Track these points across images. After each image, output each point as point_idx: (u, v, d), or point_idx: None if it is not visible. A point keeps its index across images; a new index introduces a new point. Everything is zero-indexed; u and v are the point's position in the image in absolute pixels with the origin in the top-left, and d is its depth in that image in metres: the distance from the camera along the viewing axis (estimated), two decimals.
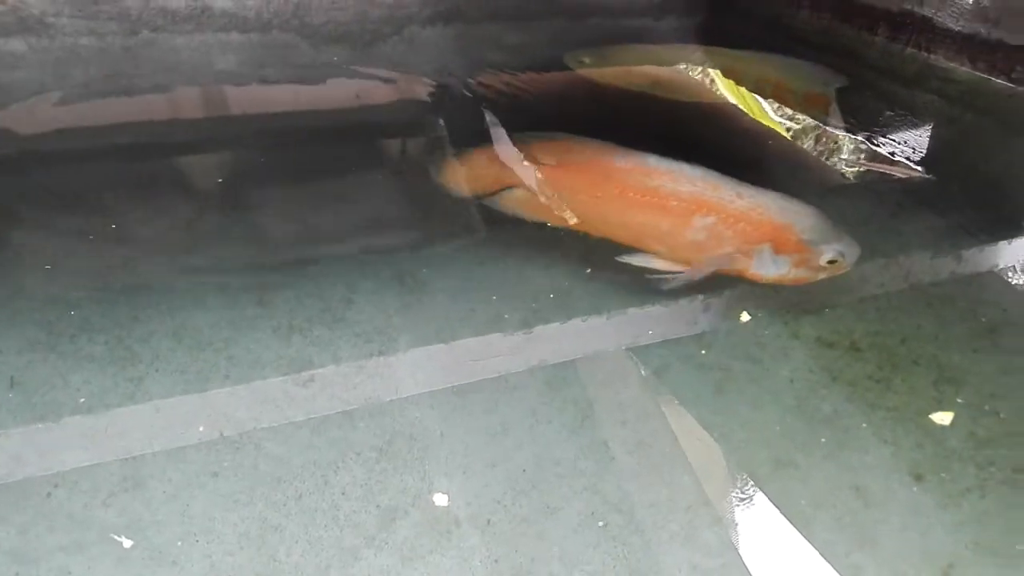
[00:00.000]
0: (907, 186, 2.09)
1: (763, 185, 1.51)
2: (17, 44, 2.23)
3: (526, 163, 1.56)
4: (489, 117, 2.04)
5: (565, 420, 1.30)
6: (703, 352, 1.46)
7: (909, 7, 2.05)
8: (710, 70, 2.88)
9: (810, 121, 2.58)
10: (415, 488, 1.16)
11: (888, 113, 2.15)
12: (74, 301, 1.38)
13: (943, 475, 1.23)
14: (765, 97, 2.70)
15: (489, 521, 1.12)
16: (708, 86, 2.81)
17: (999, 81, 1.85)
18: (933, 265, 1.69)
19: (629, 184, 1.52)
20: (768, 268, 1.46)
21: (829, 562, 1.10)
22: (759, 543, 1.13)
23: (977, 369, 1.44)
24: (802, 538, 1.13)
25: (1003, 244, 1.75)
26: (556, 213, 1.56)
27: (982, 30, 1.87)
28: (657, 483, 1.21)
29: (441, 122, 2.60)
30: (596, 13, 2.76)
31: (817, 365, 1.44)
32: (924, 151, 2.06)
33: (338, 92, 2.55)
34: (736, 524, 1.16)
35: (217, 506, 1.12)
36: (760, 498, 1.20)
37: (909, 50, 2.07)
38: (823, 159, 2.49)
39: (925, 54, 2.03)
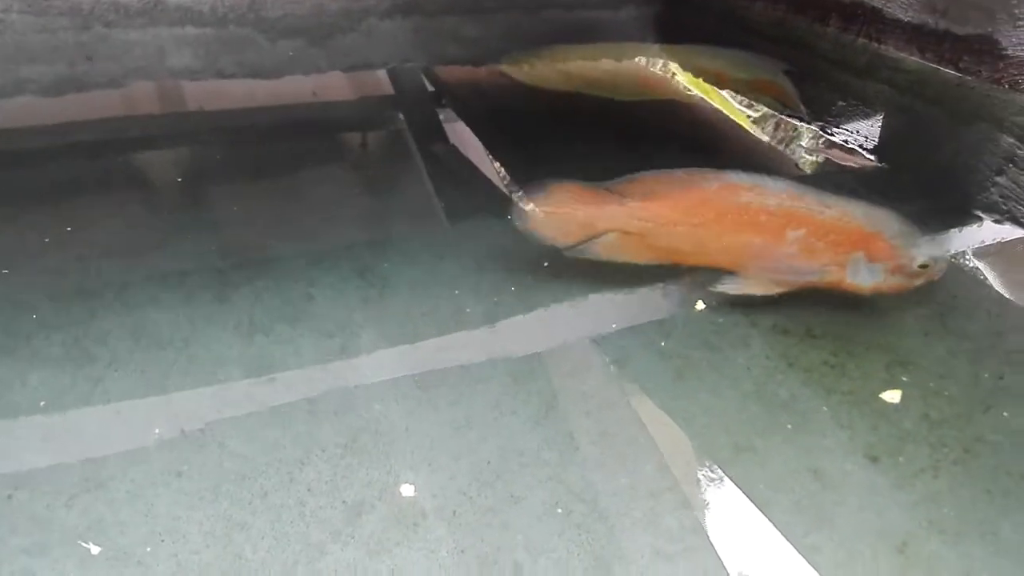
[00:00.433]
0: (860, 175, 2.13)
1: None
2: None
3: (613, 204, 1.52)
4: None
5: (529, 411, 1.31)
6: (663, 341, 1.48)
7: None
8: (662, 65, 2.90)
9: (767, 110, 2.62)
10: (381, 482, 1.17)
11: (841, 103, 2.18)
12: (30, 302, 1.36)
13: (898, 456, 1.26)
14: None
15: (455, 512, 1.13)
16: (656, 81, 2.83)
17: (947, 71, 1.89)
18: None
19: (723, 206, 1.49)
20: (864, 277, 1.45)
21: (788, 543, 1.12)
22: (720, 526, 1.15)
23: (928, 352, 1.48)
24: (762, 520, 1.15)
25: (953, 231, 1.80)
26: (658, 250, 1.53)
27: (930, 20, 1.91)
28: (620, 471, 1.22)
29: (400, 116, 2.60)
30: (552, 5, 2.76)
31: (774, 352, 1.47)
32: (876, 140, 2.10)
33: (295, 87, 2.53)
34: (697, 509, 1.18)
35: (181, 505, 1.11)
36: (721, 482, 1.22)
37: (860, 40, 2.10)
38: (779, 148, 2.53)
39: (876, 44, 2.07)
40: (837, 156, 2.65)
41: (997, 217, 1.78)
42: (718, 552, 1.11)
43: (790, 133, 2.65)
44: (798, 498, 1.19)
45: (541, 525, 1.12)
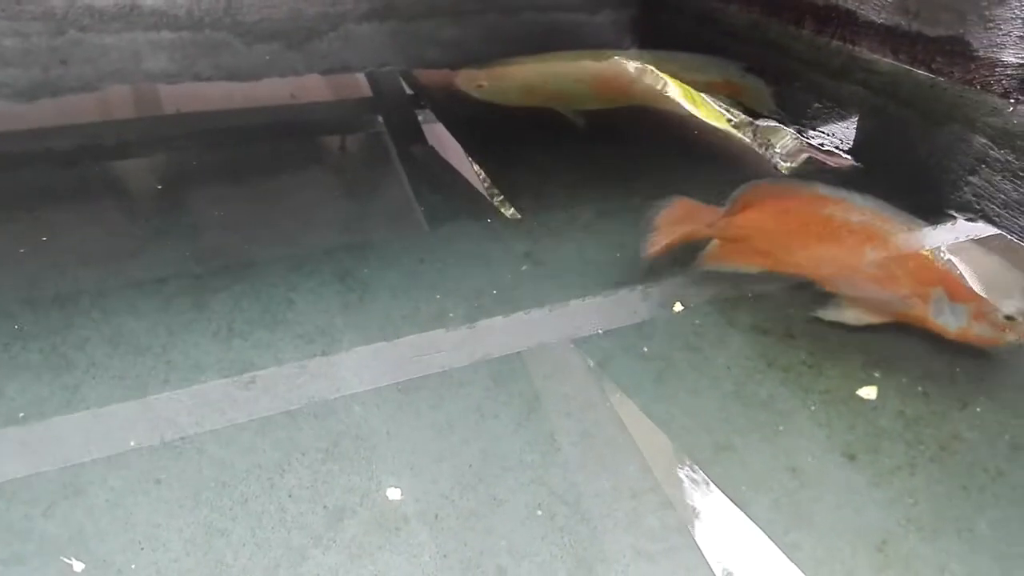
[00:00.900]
0: (836, 174, 2.15)
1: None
2: None
3: (720, 212, 1.51)
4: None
5: (511, 414, 1.31)
6: (644, 342, 1.49)
7: (834, 1, 2.11)
8: (637, 71, 2.90)
9: (744, 116, 2.64)
10: (362, 487, 1.17)
11: (816, 105, 2.20)
12: (6, 309, 1.35)
13: (875, 454, 1.27)
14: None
15: (437, 516, 1.13)
16: (629, 87, 2.82)
17: (920, 72, 1.91)
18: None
19: (807, 217, 1.47)
20: (947, 318, 1.38)
21: (769, 541, 1.13)
22: (701, 526, 1.16)
23: (905, 351, 1.49)
24: (742, 519, 1.16)
25: (927, 229, 1.82)
26: (752, 256, 1.54)
27: (903, 22, 1.93)
28: (602, 472, 1.23)
29: (379, 119, 2.59)
30: (529, 8, 2.77)
31: (753, 352, 1.48)
32: (851, 140, 2.12)
33: (273, 90, 2.52)
34: (679, 508, 1.18)
35: (161, 512, 1.10)
36: (702, 482, 1.23)
37: (835, 43, 2.13)
38: (757, 149, 2.55)
39: (850, 46, 2.09)
40: (813, 155, 2.68)
41: (970, 216, 1.80)
42: (700, 551, 1.12)
43: (766, 136, 2.67)
44: (777, 496, 1.20)
45: (524, 528, 1.12)
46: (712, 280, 1.59)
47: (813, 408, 1.35)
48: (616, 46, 2.94)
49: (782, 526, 1.15)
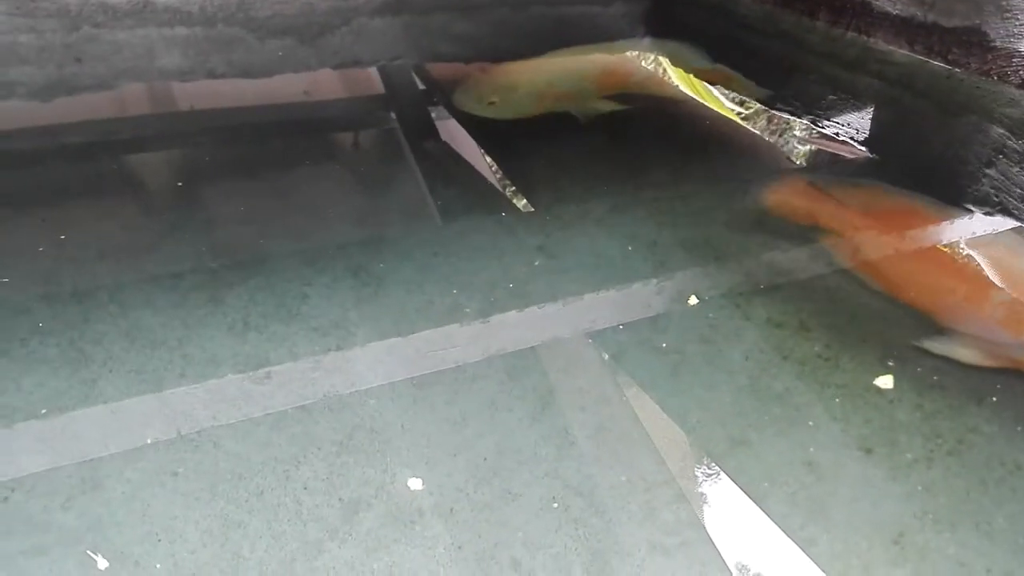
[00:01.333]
0: (851, 167, 2.14)
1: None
2: None
3: (837, 205, 1.48)
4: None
5: (525, 408, 1.32)
6: (658, 335, 1.49)
7: None
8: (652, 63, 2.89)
9: (759, 106, 2.63)
10: (377, 480, 1.17)
11: (831, 96, 2.19)
12: (24, 304, 1.36)
13: (892, 448, 1.27)
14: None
15: (452, 510, 1.13)
16: (631, 78, 2.81)
17: (936, 63, 1.89)
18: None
19: (931, 243, 1.37)
20: None
21: (784, 535, 1.13)
22: (716, 520, 1.16)
23: (921, 343, 1.48)
24: (758, 513, 1.16)
25: (944, 222, 1.81)
26: (876, 273, 1.49)
27: (918, 13, 1.91)
28: (616, 466, 1.23)
29: (392, 114, 2.59)
30: (540, 2, 2.76)
31: (768, 345, 1.47)
32: (866, 133, 2.11)
33: (286, 86, 2.52)
34: (694, 502, 1.18)
35: (178, 505, 1.11)
36: (716, 476, 1.23)
37: (849, 34, 2.11)
38: (769, 140, 2.54)
39: (865, 38, 2.07)
40: (828, 146, 2.67)
41: (987, 209, 1.79)
42: (715, 545, 1.11)
43: (781, 127, 2.66)
44: (793, 491, 1.19)
45: (539, 521, 1.13)
46: (726, 272, 1.58)
47: (829, 402, 1.35)
48: (628, 38, 2.94)
49: (798, 520, 1.15)
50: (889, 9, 2.01)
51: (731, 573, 1.08)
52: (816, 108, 2.25)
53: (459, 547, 1.08)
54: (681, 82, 3.17)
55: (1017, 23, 1.71)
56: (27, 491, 1.12)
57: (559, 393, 1.35)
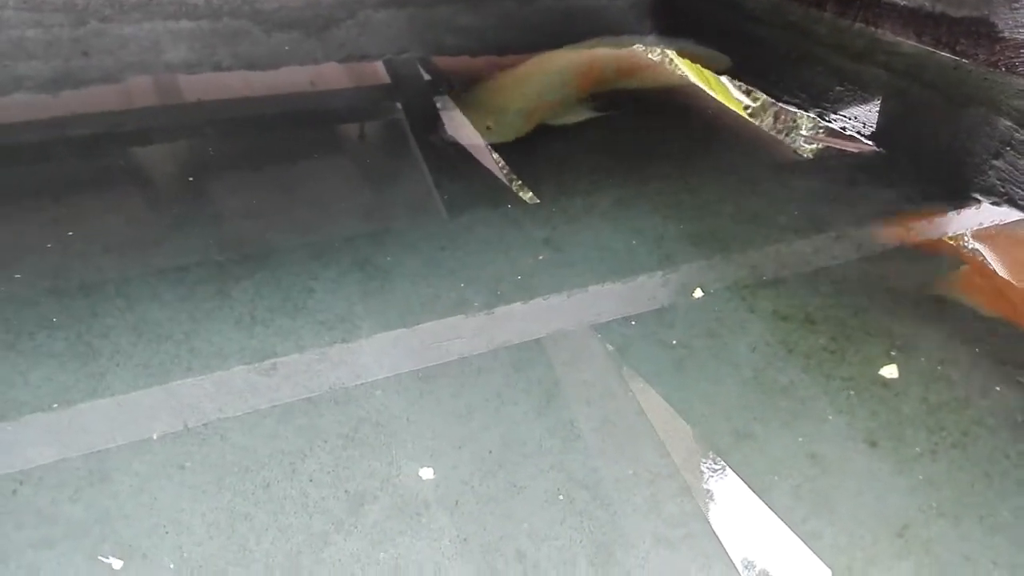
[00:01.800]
0: (858, 159, 2.13)
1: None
2: None
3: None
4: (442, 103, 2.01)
5: (530, 401, 1.32)
6: (663, 328, 1.49)
7: None
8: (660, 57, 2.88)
9: (766, 98, 2.62)
10: (383, 472, 1.17)
11: (838, 88, 2.18)
12: (31, 298, 1.37)
13: (897, 441, 1.26)
14: (622, 79, 2.69)
15: (457, 502, 1.14)
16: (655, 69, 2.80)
17: (944, 54, 1.88)
18: (884, 237, 1.73)
19: None
20: None
21: (788, 528, 1.13)
22: (720, 513, 1.16)
23: (928, 337, 1.48)
24: (762, 506, 1.16)
25: (951, 214, 1.80)
26: (1007, 305, 1.49)
27: (926, 4, 1.90)
28: (621, 459, 1.23)
29: (398, 106, 2.59)
30: None
31: (774, 338, 1.47)
32: (873, 125, 2.10)
33: (292, 79, 2.53)
34: (698, 495, 1.18)
35: (185, 497, 1.12)
36: (721, 469, 1.23)
37: (857, 25, 2.10)
38: (776, 134, 2.53)
39: (872, 29, 2.06)
40: (834, 141, 2.65)
41: (995, 200, 1.78)
42: (719, 538, 1.12)
43: (788, 120, 2.65)
44: (798, 483, 1.19)
45: (544, 513, 1.13)
46: (732, 265, 1.58)
47: (834, 395, 1.35)
48: (635, 31, 2.93)
49: (802, 513, 1.15)
50: (897, 0, 2.00)
51: (735, 566, 1.09)
52: (823, 100, 2.25)
53: (464, 539, 1.09)
54: (689, 73, 3.16)
55: None
56: (35, 484, 1.13)
57: (564, 386, 1.36)
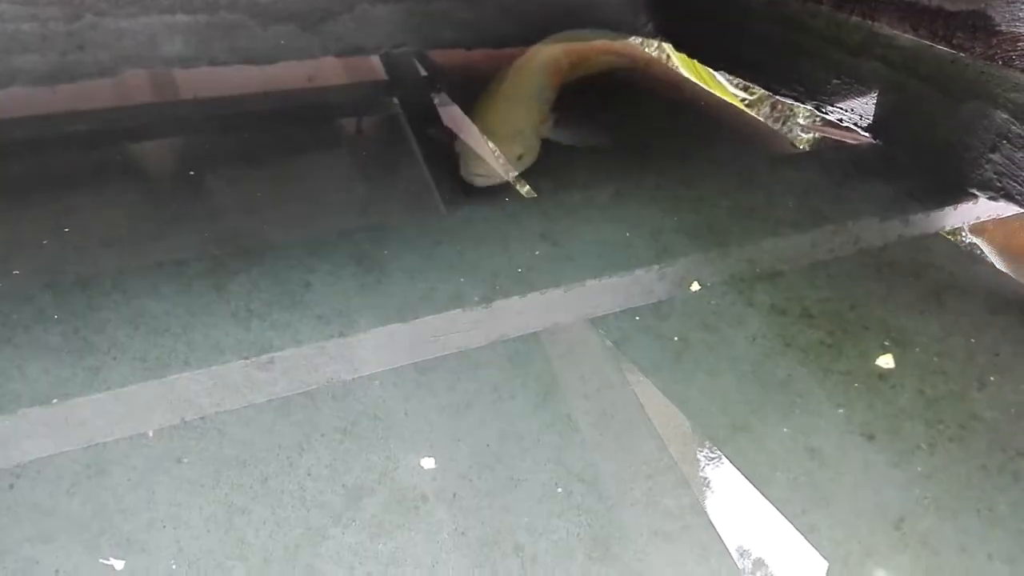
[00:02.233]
0: (855, 153, 2.13)
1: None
2: None
3: None
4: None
5: (528, 394, 1.32)
6: (661, 322, 1.49)
7: None
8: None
9: (763, 91, 2.62)
10: (381, 466, 1.17)
11: (835, 81, 2.18)
12: (28, 292, 1.36)
13: (894, 434, 1.27)
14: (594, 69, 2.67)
15: (455, 495, 1.14)
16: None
17: (941, 48, 1.88)
18: (881, 230, 1.73)
19: None
20: None
21: (786, 521, 1.13)
22: (718, 506, 1.16)
23: (924, 330, 1.48)
24: (759, 499, 1.16)
25: (948, 208, 1.80)
26: None
27: None
28: (619, 452, 1.23)
29: (395, 101, 2.59)
30: None
31: (771, 332, 1.47)
32: (870, 118, 2.10)
33: (289, 73, 2.52)
34: (696, 488, 1.19)
35: (182, 491, 1.12)
36: (718, 462, 1.23)
37: (854, 19, 2.09)
38: (772, 125, 2.53)
39: (869, 22, 2.06)
40: (831, 133, 2.65)
41: (991, 194, 1.78)
42: (717, 531, 1.12)
43: (785, 113, 2.65)
44: (795, 476, 1.19)
45: (541, 507, 1.13)
46: (729, 259, 1.58)
47: (832, 388, 1.35)
48: (631, 26, 2.92)
49: (799, 506, 1.15)
50: None
51: (732, 559, 1.09)
52: (820, 93, 2.25)
53: (462, 533, 1.09)
54: (685, 68, 3.16)
55: (1022, 7, 1.70)
56: (32, 477, 1.12)
57: (562, 379, 1.36)
